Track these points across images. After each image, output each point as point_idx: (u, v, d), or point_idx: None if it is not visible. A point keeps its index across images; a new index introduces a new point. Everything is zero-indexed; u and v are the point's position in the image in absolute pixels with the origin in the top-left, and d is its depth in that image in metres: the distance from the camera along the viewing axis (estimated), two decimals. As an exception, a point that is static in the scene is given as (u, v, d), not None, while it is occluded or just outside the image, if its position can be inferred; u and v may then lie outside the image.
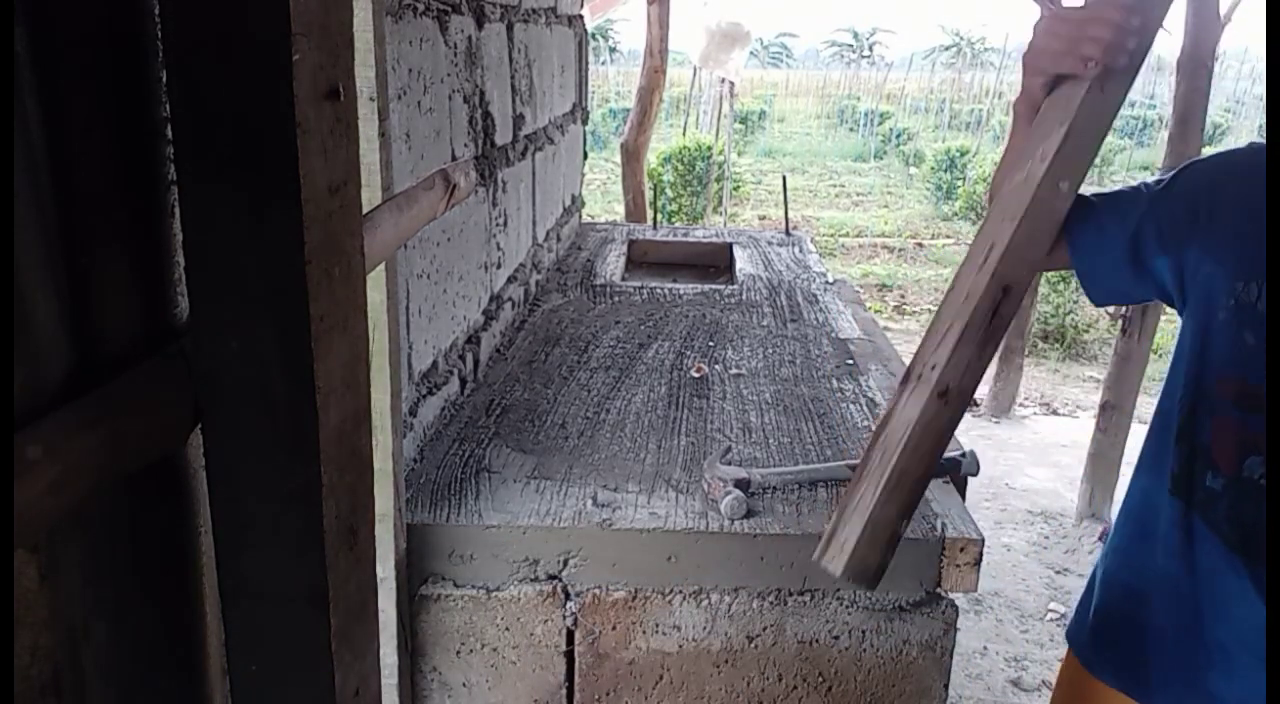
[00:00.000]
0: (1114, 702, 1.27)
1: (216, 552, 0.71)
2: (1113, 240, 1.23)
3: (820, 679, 1.27)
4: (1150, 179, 1.25)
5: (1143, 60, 1.11)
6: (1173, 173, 1.21)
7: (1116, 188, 1.26)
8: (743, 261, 2.90)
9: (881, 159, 20.18)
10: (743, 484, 1.29)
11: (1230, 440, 1.14)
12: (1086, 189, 1.25)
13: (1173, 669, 1.22)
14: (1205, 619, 1.19)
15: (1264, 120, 1.23)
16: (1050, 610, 3.45)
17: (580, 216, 3.40)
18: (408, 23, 1.29)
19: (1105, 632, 1.32)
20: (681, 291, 2.51)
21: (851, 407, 1.69)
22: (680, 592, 1.24)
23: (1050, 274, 6.92)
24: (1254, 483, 1.11)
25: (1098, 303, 1.36)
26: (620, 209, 6.81)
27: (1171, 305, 1.24)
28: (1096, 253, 1.26)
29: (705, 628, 1.24)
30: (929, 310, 8.46)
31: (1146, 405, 1.28)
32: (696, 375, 1.83)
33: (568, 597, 1.24)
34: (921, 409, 1.06)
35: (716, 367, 1.89)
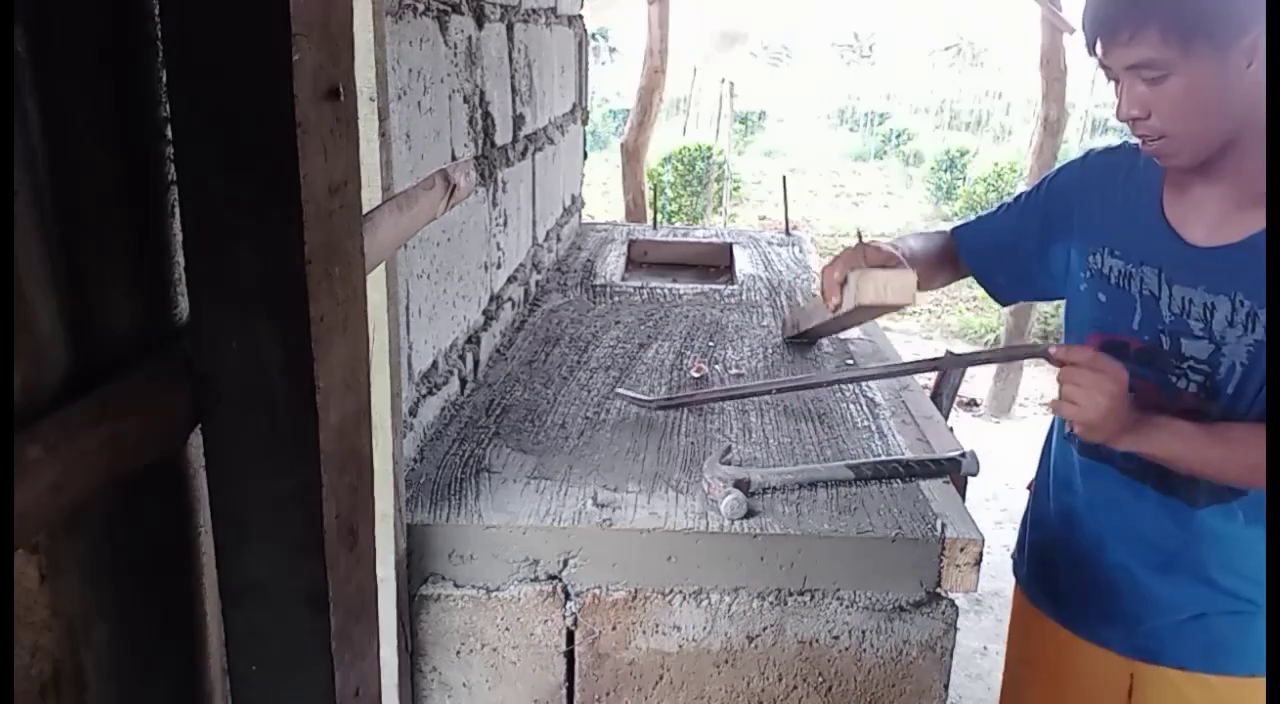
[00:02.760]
0: (1051, 631, 1.49)
1: (216, 552, 0.71)
2: (1008, 249, 1.55)
3: (820, 679, 1.27)
4: (1025, 190, 1.59)
5: None
6: (1049, 177, 1.54)
7: (993, 209, 1.63)
8: (743, 262, 2.90)
9: (881, 159, 20.17)
10: (743, 484, 1.29)
11: None
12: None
13: (1090, 600, 1.43)
14: (1107, 545, 1.38)
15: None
16: (1050, 610, 3.45)
17: (580, 216, 3.40)
18: (408, 23, 1.29)
19: (1034, 566, 1.56)
20: (681, 291, 2.51)
21: (851, 407, 1.69)
22: (680, 592, 1.24)
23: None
24: None
25: (1005, 303, 1.73)
26: (620, 209, 6.80)
27: (1056, 297, 1.55)
28: (995, 263, 1.59)
29: (705, 628, 1.24)
30: (929, 311, 8.46)
31: (1147, 405, 1.35)
32: (696, 375, 1.83)
33: (568, 597, 1.24)
34: None
35: (716, 366, 1.89)
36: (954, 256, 1.61)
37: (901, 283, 1.35)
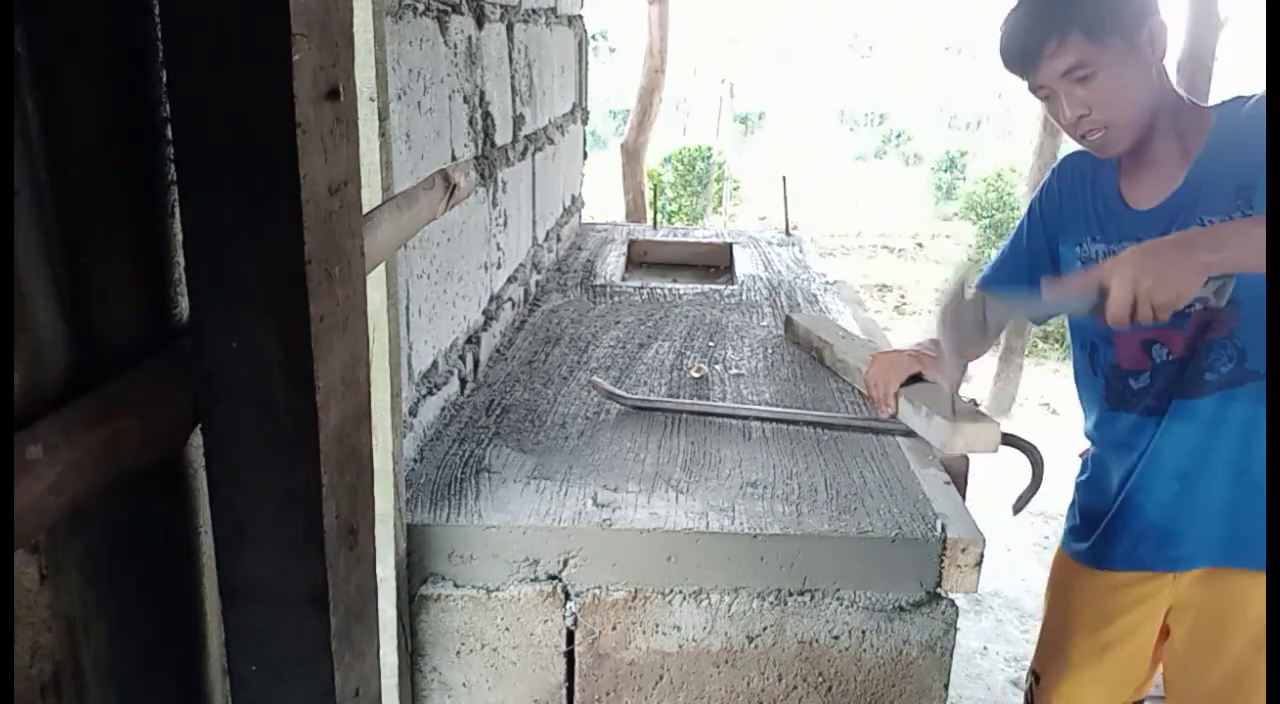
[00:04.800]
0: (1093, 578, 1.66)
1: (216, 552, 0.71)
2: (1030, 277, 1.60)
3: (820, 679, 1.27)
4: (1022, 218, 1.73)
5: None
6: (1035, 197, 1.69)
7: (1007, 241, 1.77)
8: (743, 262, 2.90)
9: (881, 159, 20.17)
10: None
11: (1132, 346, 1.53)
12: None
13: (1127, 530, 1.59)
14: (1139, 472, 1.55)
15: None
16: (1050, 610, 3.45)
17: (580, 216, 3.40)
18: (408, 23, 1.29)
19: (1084, 526, 1.71)
20: (681, 291, 2.51)
21: (851, 407, 1.69)
22: (680, 592, 1.24)
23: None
24: (1166, 361, 1.50)
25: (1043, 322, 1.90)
26: (620, 209, 6.81)
27: None
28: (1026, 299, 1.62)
29: (705, 628, 1.24)
30: (929, 310, 8.45)
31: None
32: (696, 375, 1.83)
33: (568, 597, 1.24)
34: None
35: (716, 366, 1.89)
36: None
37: (989, 435, 1.48)
